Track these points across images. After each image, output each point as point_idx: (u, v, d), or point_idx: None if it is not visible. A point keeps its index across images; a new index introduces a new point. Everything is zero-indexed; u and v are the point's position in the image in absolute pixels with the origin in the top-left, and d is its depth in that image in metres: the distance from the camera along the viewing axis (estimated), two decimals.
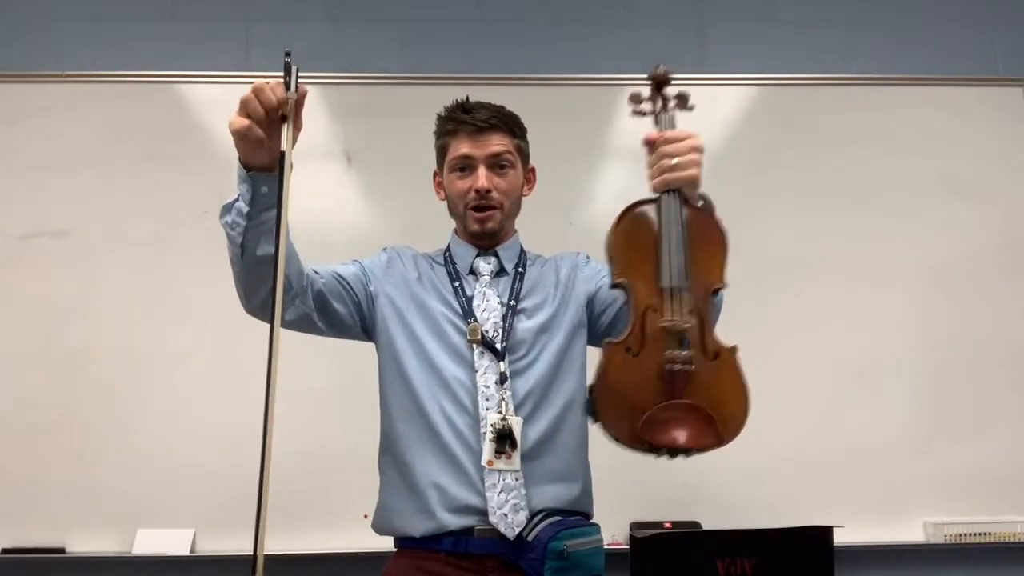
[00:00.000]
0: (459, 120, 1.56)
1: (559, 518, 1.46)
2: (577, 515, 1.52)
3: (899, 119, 2.69)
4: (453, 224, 1.70)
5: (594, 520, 1.58)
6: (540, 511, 1.45)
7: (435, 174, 1.66)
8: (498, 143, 1.56)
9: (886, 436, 2.50)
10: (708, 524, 2.38)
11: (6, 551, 2.35)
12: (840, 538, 2.15)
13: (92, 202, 2.55)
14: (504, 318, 1.53)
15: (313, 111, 2.62)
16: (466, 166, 1.56)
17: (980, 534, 2.44)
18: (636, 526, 2.36)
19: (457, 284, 1.57)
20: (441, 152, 1.61)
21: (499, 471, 1.42)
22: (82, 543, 2.38)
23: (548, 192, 2.59)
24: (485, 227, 1.57)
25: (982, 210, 2.64)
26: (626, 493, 2.44)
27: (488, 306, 1.54)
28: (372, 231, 2.52)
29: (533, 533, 1.42)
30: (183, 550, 2.35)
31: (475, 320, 1.51)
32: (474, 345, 1.49)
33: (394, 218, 2.55)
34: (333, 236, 2.54)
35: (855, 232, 2.62)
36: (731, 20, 2.85)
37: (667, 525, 2.37)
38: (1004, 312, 2.59)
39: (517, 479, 1.43)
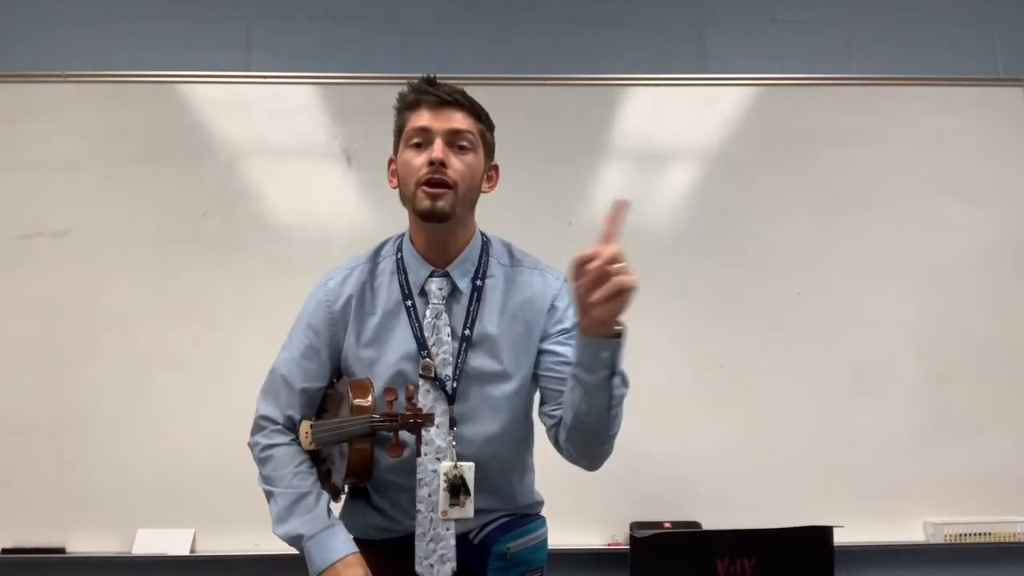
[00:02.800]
0: (422, 91, 1.43)
1: (506, 520, 1.49)
2: (524, 515, 1.53)
3: (899, 119, 2.69)
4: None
5: (542, 513, 1.60)
6: (489, 511, 1.47)
7: (390, 161, 1.51)
8: (460, 121, 1.42)
9: (886, 436, 2.51)
10: (708, 524, 2.38)
11: (6, 551, 2.35)
12: (840, 538, 2.15)
13: (92, 202, 2.55)
14: (456, 355, 1.44)
15: (313, 111, 2.64)
16: (423, 140, 1.41)
17: (980, 534, 2.44)
18: (636, 526, 2.37)
19: (410, 304, 1.47)
20: (399, 130, 1.46)
21: (431, 519, 1.40)
22: (82, 543, 2.38)
23: (548, 192, 2.62)
24: (436, 205, 1.38)
25: (982, 210, 2.64)
26: (626, 493, 2.44)
27: (439, 339, 1.44)
28: (372, 231, 2.49)
29: (480, 536, 1.45)
30: (183, 550, 2.35)
31: (428, 355, 1.43)
32: (420, 381, 1.43)
33: (394, 218, 2.54)
34: (333, 236, 2.55)
35: (855, 232, 2.62)
36: (731, 20, 2.84)
37: (667, 525, 2.37)
38: (1004, 312, 2.59)
39: (448, 529, 1.41)
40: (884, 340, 2.56)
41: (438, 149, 1.39)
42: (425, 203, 1.39)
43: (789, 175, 2.65)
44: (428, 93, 1.42)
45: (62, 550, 2.36)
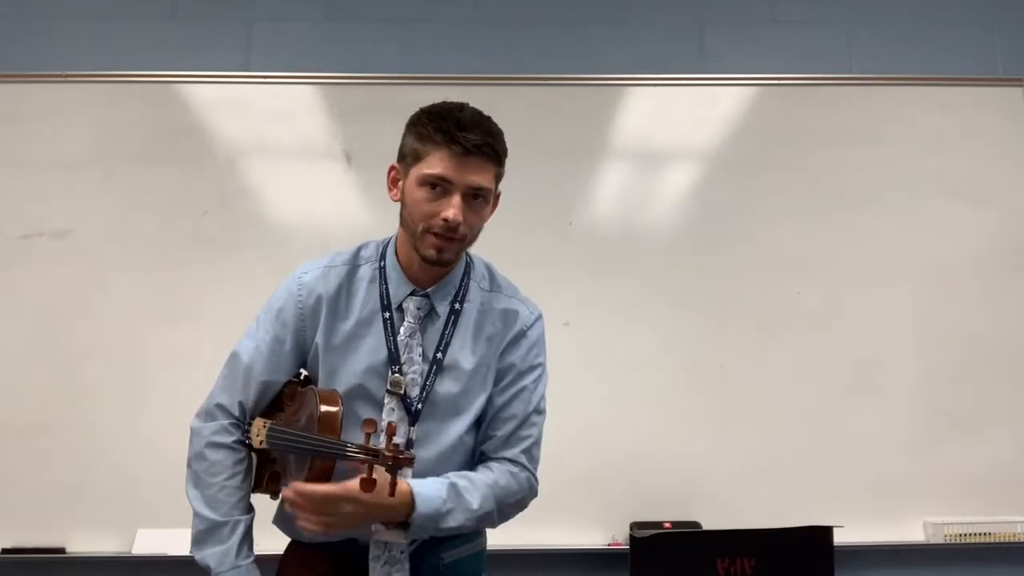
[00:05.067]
0: (449, 134, 1.34)
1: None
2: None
3: (899, 119, 2.69)
4: None
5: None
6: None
7: (392, 168, 1.45)
8: (482, 175, 1.36)
9: (886, 436, 2.50)
10: (708, 524, 2.38)
11: (6, 551, 2.35)
12: (840, 538, 2.15)
13: (92, 202, 2.55)
14: (426, 378, 1.41)
15: (313, 111, 2.64)
16: (439, 185, 1.35)
17: (980, 534, 2.44)
18: (636, 526, 2.36)
19: (387, 316, 1.43)
20: (414, 155, 1.38)
21: (385, 543, 1.37)
22: (82, 543, 2.38)
23: (548, 192, 2.62)
24: (442, 256, 1.37)
25: (982, 210, 2.64)
26: (626, 493, 2.45)
27: (411, 359, 1.41)
28: (372, 231, 2.48)
29: (412, 547, 1.41)
30: (183, 550, 2.33)
31: (399, 371, 1.40)
32: (387, 396, 1.39)
33: (394, 218, 2.54)
34: (333, 236, 2.55)
35: (855, 232, 2.62)
36: (731, 20, 2.85)
37: (667, 525, 2.37)
38: (1004, 312, 2.59)
39: (402, 552, 1.38)
40: (884, 340, 2.56)
41: (456, 207, 1.34)
42: (431, 252, 1.38)
43: (789, 175, 2.65)
44: (456, 141, 1.33)
45: (62, 550, 2.36)
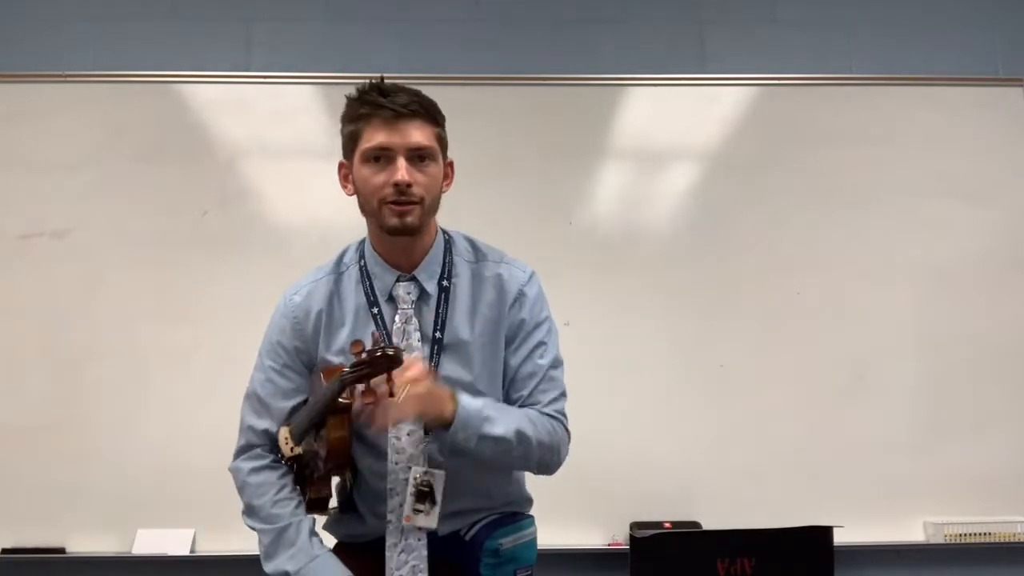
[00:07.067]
0: (375, 104, 1.36)
1: (497, 517, 1.46)
2: (513, 512, 1.50)
3: (899, 119, 2.69)
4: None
5: (531, 513, 1.56)
6: (475, 510, 1.44)
7: (341, 165, 1.47)
8: (419, 133, 1.36)
9: (886, 436, 2.51)
10: (708, 524, 2.38)
11: (6, 551, 2.36)
12: (840, 538, 2.16)
13: (92, 202, 2.56)
14: (429, 360, 1.40)
15: (313, 111, 2.64)
16: (382, 156, 1.36)
17: (980, 534, 2.44)
18: (636, 526, 2.37)
19: (376, 311, 1.43)
20: (351, 140, 1.41)
21: (402, 529, 1.36)
22: (82, 543, 2.38)
23: (548, 192, 2.62)
24: (405, 221, 1.36)
25: (982, 210, 2.64)
26: (626, 493, 2.45)
27: (409, 345, 1.40)
28: None
29: (471, 533, 1.42)
30: (183, 550, 2.35)
31: None
32: None
33: None
34: (333, 236, 2.54)
35: (855, 232, 2.62)
36: (731, 20, 2.84)
37: (667, 525, 2.37)
38: (1004, 312, 2.59)
39: (419, 539, 1.37)
40: (884, 340, 2.56)
41: (402, 170, 1.34)
42: (393, 220, 1.37)
43: (789, 175, 2.65)
44: (383, 107, 1.35)
45: (62, 550, 2.36)
